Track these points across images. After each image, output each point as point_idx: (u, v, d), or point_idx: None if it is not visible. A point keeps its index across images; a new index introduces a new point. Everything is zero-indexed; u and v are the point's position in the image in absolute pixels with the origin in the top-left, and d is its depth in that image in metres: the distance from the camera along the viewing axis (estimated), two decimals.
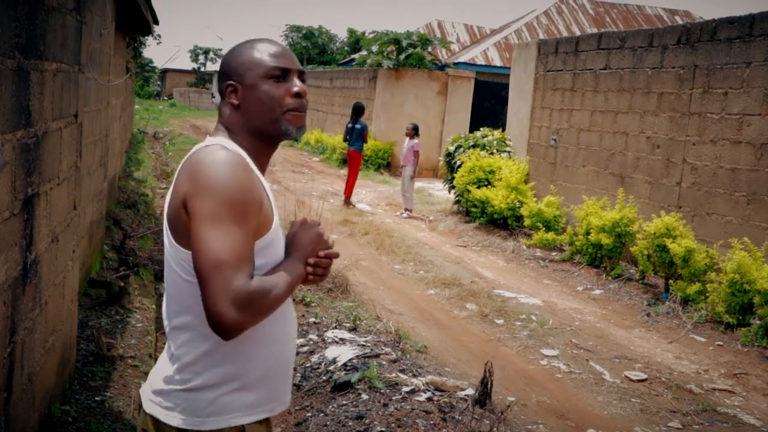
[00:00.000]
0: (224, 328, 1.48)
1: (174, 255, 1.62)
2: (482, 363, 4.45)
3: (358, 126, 12.16)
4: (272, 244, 1.65)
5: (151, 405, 1.66)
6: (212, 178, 1.52)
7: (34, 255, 2.75)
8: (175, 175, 1.63)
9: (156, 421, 1.64)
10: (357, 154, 12.25)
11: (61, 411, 3.33)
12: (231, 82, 1.70)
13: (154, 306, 5.79)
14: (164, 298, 1.71)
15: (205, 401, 1.60)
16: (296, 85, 1.69)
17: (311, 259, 1.68)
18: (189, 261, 1.56)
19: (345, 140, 12.63)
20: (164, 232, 1.65)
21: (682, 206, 7.61)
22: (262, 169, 1.72)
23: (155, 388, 1.67)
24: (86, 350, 4.24)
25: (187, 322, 1.62)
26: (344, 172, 13.65)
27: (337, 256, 1.74)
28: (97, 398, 3.69)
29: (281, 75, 1.68)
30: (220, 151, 1.58)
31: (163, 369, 1.67)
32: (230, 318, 1.46)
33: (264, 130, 1.69)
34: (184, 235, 1.57)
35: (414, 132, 11.86)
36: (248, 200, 1.54)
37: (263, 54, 1.69)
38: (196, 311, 1.57)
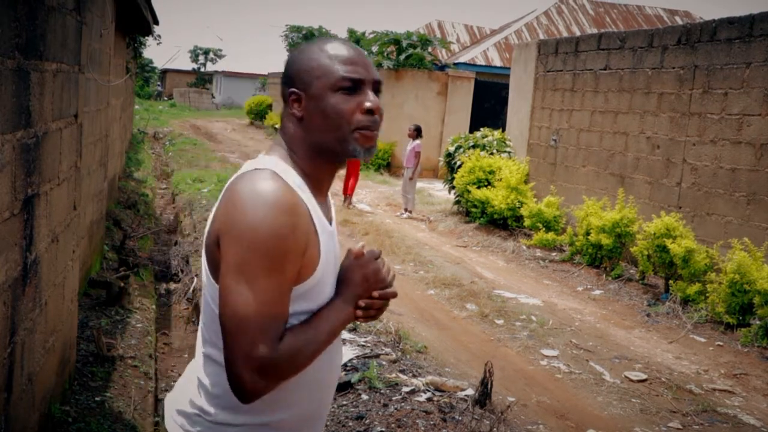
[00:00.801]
0: (243, 394, 1.34)
1: (209, 287, 1.47)
2: (482, 363, 4.45)
3: None
4: (316, 288, 1.45)
5: (174, 425, 1.54)
6: (245, 220, 1.33)
7: (34, 255, 2.75)
8: (219, 198, 1.45)
9: None
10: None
11: (61, 411, 3.33)
12: (294, 89, 1.48)
13: (154, 306, 5.79)
14: (200, 320, 1.56)
15: None
16: (369, 99, 1.46)
17: (363, 301, 1.48)
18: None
19: None
20: (202, 259, 1.49)
21: (682, 206, 7.61)
22: (323, 193, 1.52)
23: (180, 408, 1.55)
24: (86, 350, 4.24)
25: (217, 356, 1.46)
26: (343, 172, 13.65)
27: (394, 296, 1.51)
28: (97, 398, 3.69)
29: (353, 86, 1.45)
30: (265, 182, 1.37)
31: (191, 389, 1.54)
32: (250, 385, 1.32)
33: (328, 149, 1.48)
34: (217, 270, 1.41)
35: (416, 133, 11.87)
36: (286, 248, 1.34)
37: (334, 60, 1.46)
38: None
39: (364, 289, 1.48)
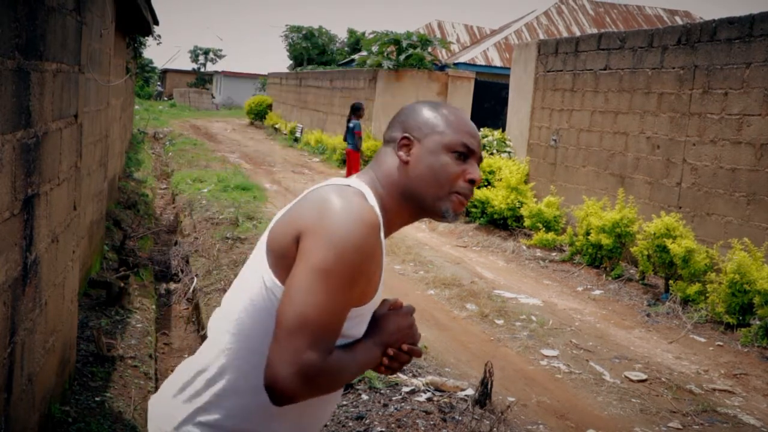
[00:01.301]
0: (277, 395, 1.32)
1: (260, 283, 1.44)
2: (482, 363, 4.45)
3: (350, 125, 12.39)
4: (365, 317, 1.48)
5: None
6: (339, 226, 1.35)
7: (34, 255, 2.75)
8: (296, 201, 1.46)
9: None
10: (352, 153, 12.44)
11: (61, 411, 3.33)
12: (408, 135, 1.53)
13: (154, 306, 5.80)
14: (220, 320, 1.53)
15: None
16: (476, 171, 1.54)
17: (392, 350, 1.49)
18: (273, 292, 1.42)
19: (344, 140, 12.84)
20: (257, 256, 1.47)
21: (682, 206, 7.61)
22: (388, 234, 1.55)
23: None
24: (86, 350, 4.24)
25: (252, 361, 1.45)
26: (344, 172, 13.68)
27: (420, 355, 1.54)
28: (97, 399, 3.69)
29: (465, 154, 1.53)
30: (357, 198, 1.41)
31: (193, 402, 1.52)
32: (288, 387, 1.31)
33: (420, 200, 1.52)
34: (283, 269, 1.40)
35: None
36: (363, 268, 1.37)
37: (456, 125, 1.54)
38: (242, 344, 1.46)
39: (395, 339, 1.50)
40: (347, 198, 1.40)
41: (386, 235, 1.52)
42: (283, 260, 1.41)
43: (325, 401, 1.55)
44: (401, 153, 1.52)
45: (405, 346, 1.49)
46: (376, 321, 1.51)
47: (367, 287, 1.42)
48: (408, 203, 1.53)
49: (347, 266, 1.34)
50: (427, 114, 1.55)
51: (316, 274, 1.32)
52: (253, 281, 1.46)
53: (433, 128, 1.53)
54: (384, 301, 1.55)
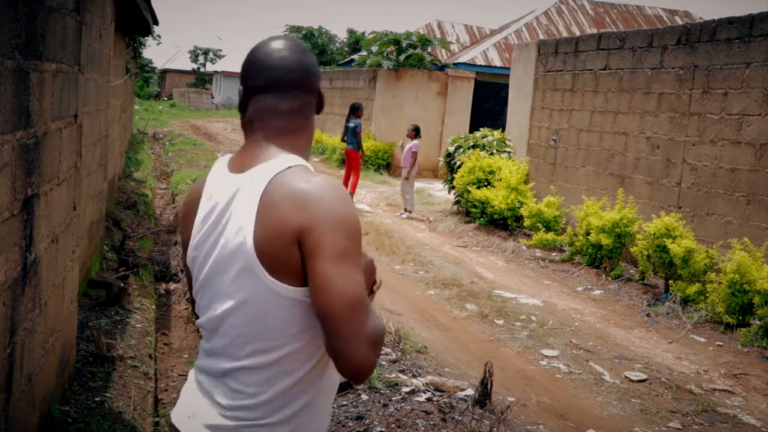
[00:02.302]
0: (364, 373, 1.40)
1: (266, 292, 1.44)
2: (482, 363, 4.45)
3: (351, 125, 12.30)
4: None
5: None
6: (337, 210, 1.42)
7: (33, 255, 2.75)
8: (257, 204, 1.44)
9: None
10: (352, 152, 12.34)
11: (60, 412, 3.33)
12: (321, 92, 1.66)
13: (153, 306, 5.79)
14: (219, 335, 1.54)
15: None
16: None
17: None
18: (296, 297, 1.44)
19: (342, 140, 12.76)
20: (243, 266, 1.46)
21: (681, 206, 7.62)
22: None
23: (211, 422, 1.52)
24: (86, 351, 4.24)
25: (274, 361, 1.48)
26: (343, 172, 13.68)
27: (378, 287, 1.68)
28: (96, 399, 3.69)
29: None
30: (319, 177, 1.47)
31: (223, 402, 1.51)
32: (370, 362, 1.39)
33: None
34: (290, 271, 1.42)
35: (415, 133, 11.88)
36: (360, 228, 1.49)
37: None
38: (287, 349, 1.47)
39: (367, 278, 1.60)
40: (320, 182, 1.45)
41: None
42: (285, 268, 1.42)
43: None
44: (313, 110, 1.64)
45: (375, 287, 1.63)
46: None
47: None
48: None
49: (357, 239, 1.44)
50: (313, 61, 1.63)
51: (341, 260, 1.39)
52: (259, 294, 1.46)
53: (319, 76, 1.64)
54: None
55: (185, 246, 1.64)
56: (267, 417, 1.49)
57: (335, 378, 1.61)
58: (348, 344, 1.38)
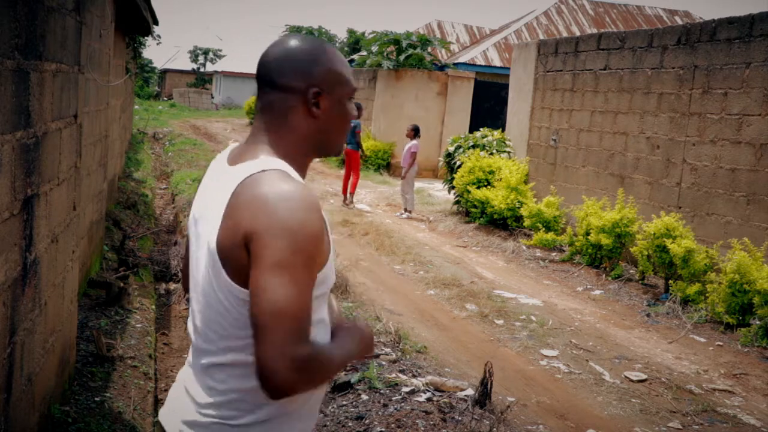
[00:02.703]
0: (276, 389, 1.34)
1: (225, 291, 1.46)
2: (482, 363, 4.45)
3: (350, 124, 12.32)
4: (328, 274, 1.54)
5: None
6: (286, 219, 1.37)
7: (33, 255, 2.75)
8: (227, 202, 1.44)
9: None
10: (352, 152, 12.33)
11: (60, 412, 3.33)
12: (318, 89, 1.54)
13: (153, 306, 5.79)
14: (197, 332, 1.55)
15: None
16: (353, 108, 1.66)
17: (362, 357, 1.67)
18: (247, 300, 1.42)
19: None
20: (209, 262, 1.47)
21: (681, 206, 7.61)
22: None
23: (188, 418, 1.53)
24: (86, 351, 4.24)
25: (239, 360, 1.47)
26: (342, 172, 13.70)
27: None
28: (96, 399, 3.69)
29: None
30: (286, 184, 1.41)
31: (198, 399, 1.52)
32: (285, 379, 1.32)
33: (330, 147, 1.62)
34: (241, 273, 1.42)
35: (414, 133, 11.88)
36: (318, 246, 1.42)
37: (347, 71, 1.60)
38: (251, 350, 1.43)
39: (364, 349, 1.65)
40: (281, 189, 1.40)
41: None
42: (238, 268, 1.42)
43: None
44: (313, 109, 1.54)
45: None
46: (356, 331, 1.63)
47: (321, 256, 1.46)
48: (318, 153, 1.61)
49: (305, 251, 1.37)
50: (327, 65, 1.55)
51: (277, 269, 1.34)
52: (217, 292, 1.47)
53: (338, 79, 1.57)
54: (365, 322, 1.72)
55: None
56: (239, 418, 1.48)
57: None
58: (266, 354, 1.32)
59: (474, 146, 11.48)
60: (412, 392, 4.16)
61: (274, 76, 1.54)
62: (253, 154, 1.52)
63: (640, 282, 7.62)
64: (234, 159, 1.56)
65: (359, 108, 12.49)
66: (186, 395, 1.56)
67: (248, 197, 1.41)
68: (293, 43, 1.56)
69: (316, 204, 1.42)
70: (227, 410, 1.49)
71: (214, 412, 1.49)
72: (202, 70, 53.27)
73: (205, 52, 53.23)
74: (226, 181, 1.49)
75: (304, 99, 1.54)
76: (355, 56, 27.16)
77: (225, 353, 1.49)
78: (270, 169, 1.45)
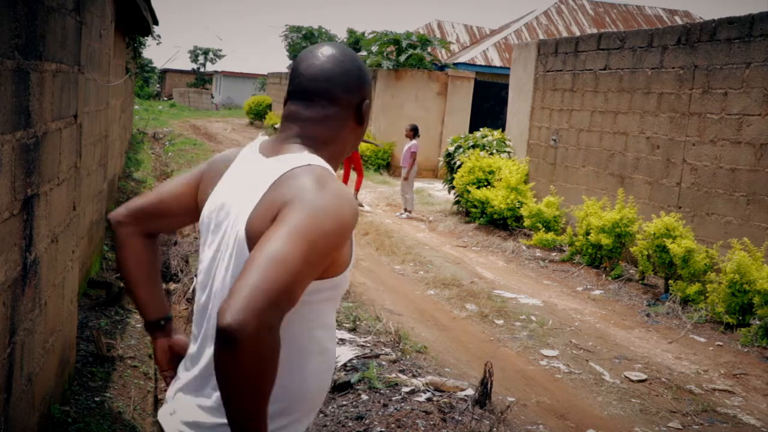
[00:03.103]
0: (229, 337, 1.16)
1: None
2: (482, 363, 4.45)
3: None
4: (343, 281, 1.49)
5: None
6: (324, 204, 1.34)
7: (33, 255, 2.75)
8: (265, 189, 1.41)
9: None
10: (353, 153, 12.33)
11: (60, 411, 3.33)
12: (367, 101, 1.61)
13: None
14: (210, 324, 1.49)
15: None
16: None
17: None
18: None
19: None
20: (236, 251, 1.42)
21: (681, 206, 7.61)
22: None
23: (188, 419, 1.50)
24: (86, 351, 4.24)
25: None
26: (341, 172, 13.72)
27: None
28: (96, 399, 3.69)
29: None
30: (333, 181, 1.41)
31: (202, 401, 1.49)
32: (242, 332, 1.15)
33: (347, 155, 1.66)
34: None
35: (413, 133, 11.87)
36: (339, 244, 1.36)
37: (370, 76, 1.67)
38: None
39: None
40: (327, 178, 1.41)
41: None
42: None
43: (330, 370, 1.56)
44: (359, 121, 1.60)
45: None
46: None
47: (341, 258, 1.43)
48: (342, 159, 1.63)
49: (324, 240, 1.31)
50: (368, 74, 1.61)
51: (294, 231, 1.28)
52: None
53: (369, 87, 1.62)
54: None
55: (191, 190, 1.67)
56: None
57: (320, 387, 1.54)
58: (237, 297, 1.17)
59: (474, 146, 11.48)
60: (412, 392, 4.16)
61: (337, 92, 1.54)
62: (294, 150, 1.51)
63: (640, 282, 7.62)
64: (270, 152, 1.54)
65: None
66: (186, 395, 1.54)
67: (291, 184, 1.39)
68: (343, 55, 1.57)
69: (356, 208, 1.40)
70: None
71: (218, 413, 1.43)
72: (202, 70, 53.26)
73: (205, 52, 53.21)
74: (265, 171, 1.47)
75: (356, 112, 1.59)
76: None
77: None
78: (316, 164, 1.46)
